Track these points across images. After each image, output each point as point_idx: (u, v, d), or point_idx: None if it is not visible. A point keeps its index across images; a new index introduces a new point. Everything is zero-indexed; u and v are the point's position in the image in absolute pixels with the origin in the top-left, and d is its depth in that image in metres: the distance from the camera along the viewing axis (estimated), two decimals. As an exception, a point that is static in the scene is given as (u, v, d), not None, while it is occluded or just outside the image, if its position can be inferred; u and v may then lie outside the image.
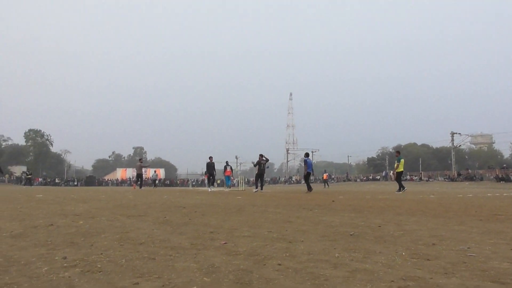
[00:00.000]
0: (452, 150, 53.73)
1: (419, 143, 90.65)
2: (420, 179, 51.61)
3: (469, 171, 48.82)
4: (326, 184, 40.75)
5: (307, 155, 17.77)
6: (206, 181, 27.71)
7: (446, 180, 46.27)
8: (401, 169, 17.02)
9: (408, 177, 52.51)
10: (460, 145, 57.55)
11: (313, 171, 18.38)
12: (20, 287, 2.01)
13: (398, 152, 18.16)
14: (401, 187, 17.07)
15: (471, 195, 15.73)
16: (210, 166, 20.29)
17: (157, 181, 43.49)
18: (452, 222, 5.09)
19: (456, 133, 53.16)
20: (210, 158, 20.22)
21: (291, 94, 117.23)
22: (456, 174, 47.31)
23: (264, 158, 18.01)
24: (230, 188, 25.25)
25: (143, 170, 24.92)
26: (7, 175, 66.10)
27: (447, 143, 61.85)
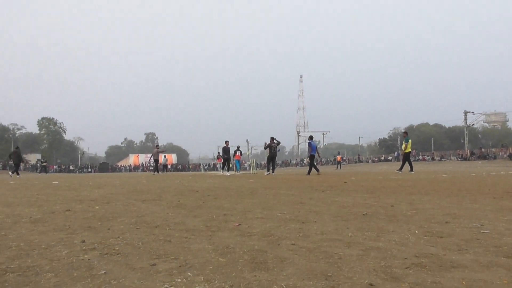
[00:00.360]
0: (465, 129, 53.03)
1: (431, 123, 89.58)
2: (433, 159, 51.15)
3: (482, 150, 48.15)
4: (339, 165, 40.64)
5: (311, 138, 17.83)
6: (219, 165, 28.18)
7: (459, 159, 45.79)
8: (409, 149, 17.08)
9: (420, 157, 52.09)
10: (473, 124, 56.76)
11: (318, 154, 18.33)
12: (42, 269, 2.07)
13: (405, 132, 18.11)
14: (410, 167, 17.13)
15: (484, 173, 15.58)
16: (226, 151, 20.41)
17: (168, 166, 43.90)
18: (466, 201, 5.07)
19: (469, 112, 52.35)
20: (226, 142, 20.34)
21: (301, 77, 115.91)
22: (469, 153, 46.77)
23: (275, 141, 18.04)
24: (240, 172, 25.63)
25: (161, 156, 26.17)
26: (22, 163, 67.23)
27: (459, 122, 61.07)
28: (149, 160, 25.54)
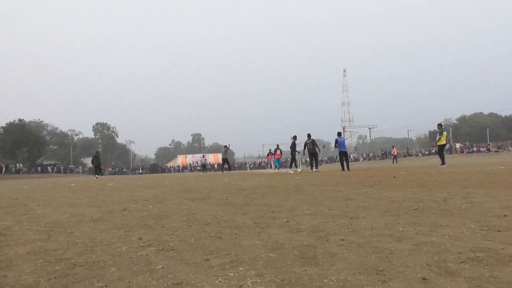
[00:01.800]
0: (524, 117, 49.54)
1: (486, 112, 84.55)
2: (488, 150, 48.29)
3: (545, 138, 44.77)
4: (395, 159, 39.20)
5: (339, 134, 17.57)
6: (270, 163, 28.88)
7: (518, 150, 42.91)
8: (443, 142, 16.37)
9: (474, 148, 49.38)
10: (533, 111, 52.84)
11: (318, 147, 17.82)
12: (106, 264, 2.22)
13: (440, 125, 17.31)
14: (442, 160, 16.46)
15: (547, 164, 14.52)
16: (294, 147, 19.83)
17: (207, 166, 44.97)
18: (526, 193, 4.78)
19: (529, 99, 48.81)
20: (295, 137, 19.48)
21: (344, 71, 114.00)
22: (529, 143, 43.69)
23: (310, 139, 17.61)
24: (279, 169, 25.94)
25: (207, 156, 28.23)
26: (80, 166, 71.34)
27: (518, 110, 57.08)
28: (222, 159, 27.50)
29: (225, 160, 26.98)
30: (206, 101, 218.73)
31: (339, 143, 16.86)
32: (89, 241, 2.88)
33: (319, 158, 38.60)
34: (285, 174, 15.70)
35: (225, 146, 27.29)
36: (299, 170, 18.02)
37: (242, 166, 71.35)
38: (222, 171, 27.02)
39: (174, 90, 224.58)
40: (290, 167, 20.85)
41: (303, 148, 17.76)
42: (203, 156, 41.19)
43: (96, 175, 25.32)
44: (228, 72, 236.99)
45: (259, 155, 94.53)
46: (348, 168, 16.72)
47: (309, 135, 17.65)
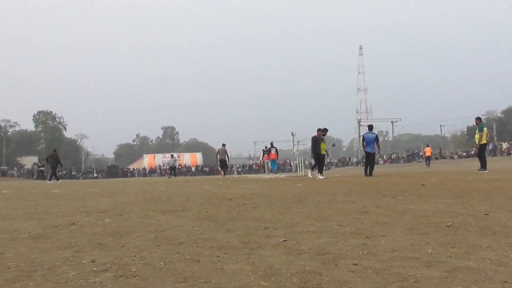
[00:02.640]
0: None
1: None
2: (543, 151, 48.86)
3: None
4: (428, 162, 38.96)
5: (370, 127, 17.59)
6: (266, 165, 28.81)
7: None
8: (484, 141, 16.37)
9: (524, 149, 49.89)
10: None
11: (379, 148, 17.65)
12: (47, 295, 2.19)
13: (479, 119, 17.11)
14: (481, 164, 16.46)
15: None
16: (317, 143, 17.48)
17: (179, 169, 44.87)
18: None
19: None
20: (319, 131, 17.68)
21: (361, 48, 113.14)
22: None
23: (322, 135, 17.49)
24: (276, 173, 26.23)
25: (225, 156, 26.91)
26: (15, 168, 70.65)
27: None
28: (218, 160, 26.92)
29: (222, 162, 26.94)
30: (180, 84, 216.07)
31: (366, 140, 16.81)
32: (25, 264, 2.84)
33: (327, 160, 38.61)
34: (282, 181, 15.71)
35: (223, 145, 27.28)
36: (321, 176, 16.75)
37: (228, 169, 71.18)
38: (224, 174, 26.91)
39: (138, 70, 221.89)
40: (313, 169, 19.32)
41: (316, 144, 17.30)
42: (172, 156, 40.85)
43: (49, 180, 25.35)
44: (210, 45, 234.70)
45: (250, 155, 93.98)
46: (371, 173, 16.66)
47: (324, 129, 17.63)
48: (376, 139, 17.03)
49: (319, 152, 17.21)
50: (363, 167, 17.99)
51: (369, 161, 17.09)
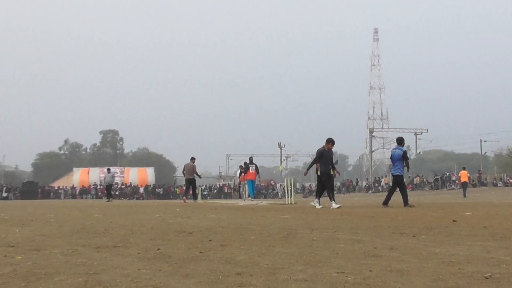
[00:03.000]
0: None
1: None
2: None
3: None
4: (463, 190, 33.23)
5: (399, 141, 14.63)
6: (242, 187, 25.11)
7: None
8: None
9: None
10: None
11: (408, 168, 14.63)
12: None
13: None
14: None
15: None
16: (327, 158, 14.36)
17: (113, 187, 39.61)
18: None
19: None
20: (329, 143, 14.34)
21: (376, 32, 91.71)
22: None
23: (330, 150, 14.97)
24: (252, 199, 22.18)
25: (194, 174, 22.55)
26: None
27: None
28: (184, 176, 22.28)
29: (191, 181, 22.43)
30: (124, 77, 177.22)
31: (393, 157, 14.09)
32: None
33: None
34: (264, 210, 13.93)
35: (192, 159, 22.82)
36: (336, 205, 13.66)
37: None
38: (194, 199, 22.44)
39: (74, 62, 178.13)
40: (318, 196, 15.04)
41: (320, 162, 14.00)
42: (109, 170, 32.67)
43: None
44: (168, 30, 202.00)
45: (220, 173, 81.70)
46: (406, 202, 13.76)
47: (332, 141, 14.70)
48: (404, 156, 14.17)
49: (329, 172, 14.27)
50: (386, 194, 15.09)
51: (395, 187, 14.52)
